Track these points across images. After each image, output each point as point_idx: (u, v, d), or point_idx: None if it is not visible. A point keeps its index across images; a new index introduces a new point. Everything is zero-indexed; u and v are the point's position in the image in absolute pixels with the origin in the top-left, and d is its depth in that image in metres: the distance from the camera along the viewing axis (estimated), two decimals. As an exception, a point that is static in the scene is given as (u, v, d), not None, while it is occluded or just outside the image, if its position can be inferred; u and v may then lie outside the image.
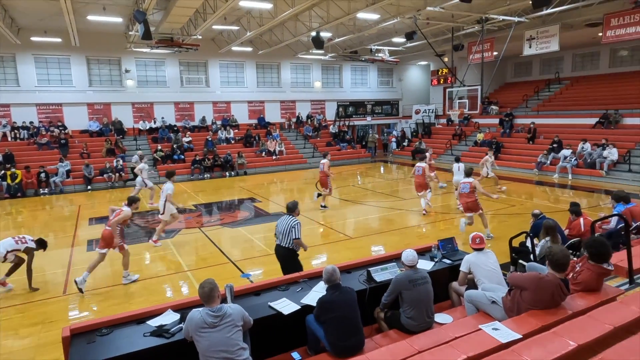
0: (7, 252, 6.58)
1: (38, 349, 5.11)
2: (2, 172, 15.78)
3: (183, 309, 4.12)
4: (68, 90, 19.79)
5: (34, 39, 17.89)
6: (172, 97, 22.16)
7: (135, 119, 21.37)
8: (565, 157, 16.35)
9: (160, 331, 3.78)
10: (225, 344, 3.28)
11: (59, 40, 18.20)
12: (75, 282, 6.66)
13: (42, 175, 16.25)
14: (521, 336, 3.39)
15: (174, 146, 20.08)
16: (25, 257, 6.77)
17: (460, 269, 4.69)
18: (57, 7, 13.32)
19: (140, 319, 4.04)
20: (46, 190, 16.25)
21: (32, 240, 6.86)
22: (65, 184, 16.75)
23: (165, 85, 22.00)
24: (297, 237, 5.67)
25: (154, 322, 3.95)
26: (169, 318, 4.00)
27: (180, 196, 14.98)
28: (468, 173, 9.32)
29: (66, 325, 3.99)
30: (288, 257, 5.80)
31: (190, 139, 20.93)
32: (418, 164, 11.39)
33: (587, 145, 16.37)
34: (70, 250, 9.01)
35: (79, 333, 3.81)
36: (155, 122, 21.39)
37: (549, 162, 17.06)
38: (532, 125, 19.71)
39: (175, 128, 21.63)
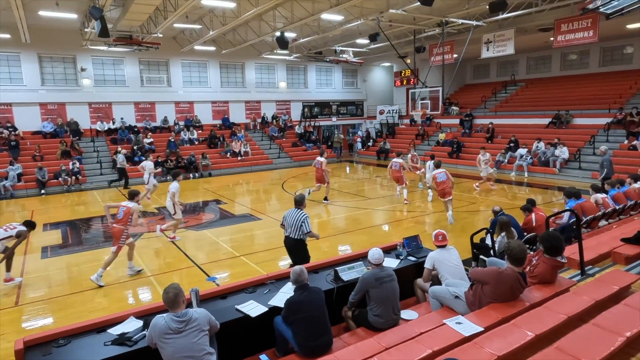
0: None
1: (-12, 364, 4.82)
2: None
3: (146, 316, 4.00)
4: (18, 89, 18.69)
5: (-21, 34, 16.83)
6: (132, 97, 21.42)
7: (92, 120, 20.49)
8: (522, 156, 17.11)
9: (122, 339, 3.65)
10: (191, 350, 3.21)
11: (7, 36, 17.17)
12: (92, 280, 6.85)
13: (-10, 179, 15.32)
14: (483, 329, 3.52)
15: (135, 148, 19.43)
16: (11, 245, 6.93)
17: (425, 266, 4.80)
18: (5, 1, 12.56)
19: (100, 327, 3.88)
20: (-5, 195, 15.34)
21: (19, 225, 7.08)
22: (16, 188, 15.83)
23: (124, 84, 21.23)
24: (308, 230, 6.05)
25: (115, 330, 3.80)
26: (132, 325, 3.86)
27: (142, 199, 14.51)
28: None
29: (19, 337, 3.77)
30: (297, 247, 6.15)
31: (151, 140, 20.31)
32: (395, 159, 12.43)
33: (542, 145, 17.18)
34: (23, 258, 8.53)
35: (33, 345, 3.62)
36: (114, 123, 20.61)
37: (506, 160, 17.79)
38: (490, 126, 20.47)
39: (136, 129, 20.92)
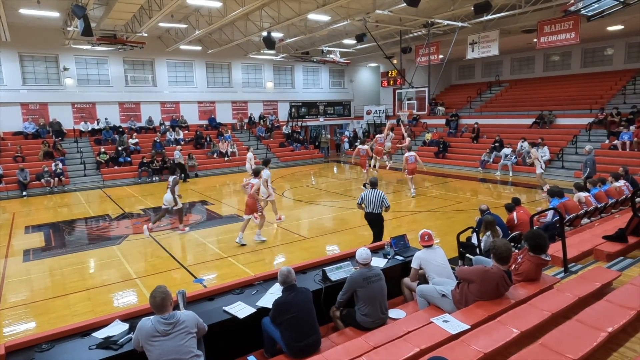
0: None
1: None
2: None
3: (132, 319, 3.94)
4: (-2, 88, 18.30)
5: (-43, 32, 16.37)
6: (116, 97, 21.10)
7: (75, 120, 20.13)
8: (506, 156, 17.35)
9: (107, 343, 3.59)
10: (178, 352, 3.18)
11: (-14, 34, 16.78)
12: (237, 242, 8.57)
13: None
14: (469, 326, 3.56)
15: (119, 148, 19.15)
16: None
17: (411, 265, 4.84)
18: (-16, -2, 12.29)
19: (85, 331, 3.81)
20: (-26, 198, 14.96)
21: None
22: (-4, 190, 15.49)
23: (108, 84, 20.91)
24: (388, 204, 7.58)
25: (100, 334, 3.74)
26: (117, 329, 3.80)
27: (127, 200, 14.33)
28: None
29: (0, 343, 3.68)
30: (379, 220, 7.65)
31: (136, 140, 20.05)
32: (360, 146, 14.83)
33: (526, 144, 17.43)
34: (4, 262, 8.34)
35: (15, 350, 3.54)
36: (98, 123, 20.28)
37: (491, 160, 18.03)
38: (475, 125, 20.72)
39: (120, 129, 20.63)
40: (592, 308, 3.63)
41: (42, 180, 16.17)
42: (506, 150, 17.53)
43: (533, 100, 21.27)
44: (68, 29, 16.42)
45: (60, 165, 16.95)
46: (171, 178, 9.98)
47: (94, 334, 3.75)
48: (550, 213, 7.08)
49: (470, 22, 16.86)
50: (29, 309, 6.23)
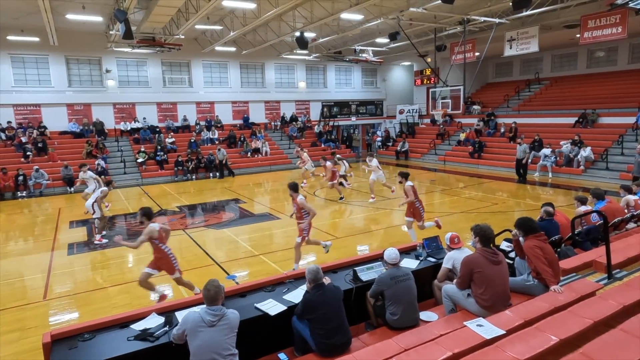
0: None
1: (17, 356, 4.98)
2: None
3: (167, 312, 4.08)
4: (47, 90, 19.32)
5: (10, 38, 17.38)
6: (155, 98, 21.85)
7: (116, 120, 21.00)
8: (546, 156, 16.69)
9: (144, 335, 3.72)
10: (218, 346, 3.25)
11: (36, 39, 17.74)
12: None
13: (20, 177, 15.84)
14: (505, 332, 3.45)
15: (157, 147, 19.80)
16: None
17: (444, 265, 4.75)
18: (34, 5, 12.98)
19: (123, 323, 3.97)
20: (24, 193, 15.85)
21: None
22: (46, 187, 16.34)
23: (147, 85, 21.67)
24: None
25: (138, 326, 3.89)
26: (154, 321, 3.94)
27: (164, 198, 14.80)
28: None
29: (47, 331, 3.89)
30: None
31: (173, 139, 20.67)
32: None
33: (567, 144, 16.73)
34: (51, 255, 8.81)
35: (60, 339, 3.73)
36: (136, 123, 21.07)
37: (530, 160, 17.37)
38: (513, 125, 20.05)
39: (158, 129, 21.33)
40: (638, 317, 3.44)
41: (85, 177, 16.90)
42: (545, 151, 16.86)
43: (575, 98, 20.38)
44: (110, 32, 17.11)
45: (103, 164, 17.70)
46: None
47: (132, 326, 3.90)
48: (593, 216, 6.75)
49: (509, 18, 16.33)
50: (72, 300, 6.55)
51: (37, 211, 13.78)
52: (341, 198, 13.15)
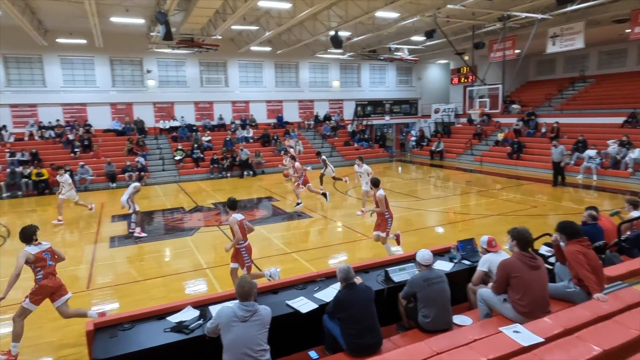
0: None
1: (62, 342, 5.26)
2: (29, 170, 16.25)
3: (202, 306, 4.19)
4: (92, 90, 20.28)
5: (59, 40, 18.39)
6: (192, 97, 22.47)
7: (156, 119, 21.75)
8: (590, 157, 15.90)
9: (180, 327, 3.85)
10: (250, 341, 3.31)
11: (83, 41, 18.65)
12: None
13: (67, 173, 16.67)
14: (543, 339, 3.33)
15: (194, 145, 20.36)
16: None
17: (479, 268, 4.63)
18: (81, 9, 13.65)
19: (160, 314, 4.12)
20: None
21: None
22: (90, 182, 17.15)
23: (185, 85, 22.32)
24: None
25: (174, 319, 4.02)
26: (189, 314, 4.06)
27: (200, 194, 15.19)
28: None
29: (90, 320, 4.09)
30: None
31: (209, 138, 21.19)
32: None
33: (615, 145, 15.88)
34: (94, 247, 9.23)
35: (102, 328, 3.91)
36: (175, 121, 21.74)
37: (572, 162, 16.62)
38: (555, 125, 19.22)
39: (195, 128, 21.92)
40: (691, 330, 3.23)
41: (126, 174, 17.64)
42: (590, 152, 16.06)
43: (624, 96, 19.29)
44: (151, 34, 17.75)
45: (142, 161, 18.39)
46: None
47: (168, 318, 4.04)
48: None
49: (552, 13, 15.67)
50: (113, 291, 6.84)
51: (82, 205, 14.44)
52: (298, 204, 11.86)
